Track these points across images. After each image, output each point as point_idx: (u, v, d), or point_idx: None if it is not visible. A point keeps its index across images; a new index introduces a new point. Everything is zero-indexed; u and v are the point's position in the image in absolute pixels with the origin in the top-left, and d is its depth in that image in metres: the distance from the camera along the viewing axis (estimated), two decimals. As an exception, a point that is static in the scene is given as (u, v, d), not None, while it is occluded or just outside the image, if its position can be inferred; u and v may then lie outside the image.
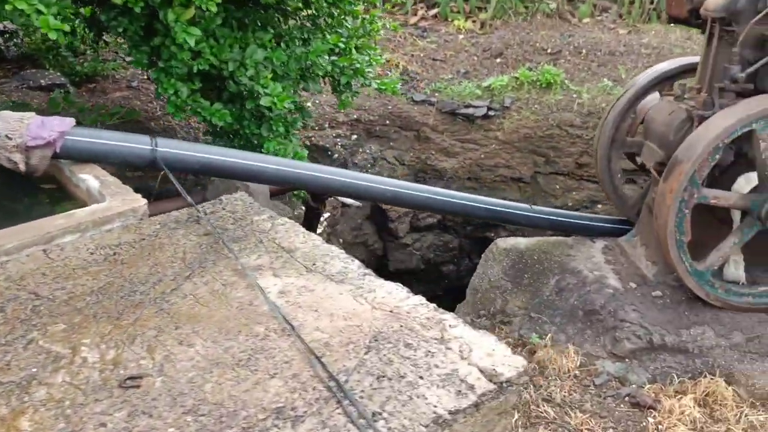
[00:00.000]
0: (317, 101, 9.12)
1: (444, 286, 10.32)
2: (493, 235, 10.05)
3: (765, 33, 3.88)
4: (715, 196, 3.97)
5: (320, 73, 4.90)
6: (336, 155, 8.53)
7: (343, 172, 4.64)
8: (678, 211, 3.87)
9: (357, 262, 3.30)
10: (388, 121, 9.44)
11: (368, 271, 3.21)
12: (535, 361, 4.36)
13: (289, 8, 4.96)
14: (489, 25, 11.71)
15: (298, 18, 5.30)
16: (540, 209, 5.54)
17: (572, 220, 5.41)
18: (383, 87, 5.17)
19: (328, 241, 8.70)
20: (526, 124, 9.85)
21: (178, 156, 3.83)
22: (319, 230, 8.21)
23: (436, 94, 9.92)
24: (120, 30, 4.05)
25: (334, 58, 5.19)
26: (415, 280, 10.04)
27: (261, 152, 4.65)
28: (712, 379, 4.10)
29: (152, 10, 3.89)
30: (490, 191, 9.84)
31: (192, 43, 3.72)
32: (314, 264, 3.12)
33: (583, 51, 10.74)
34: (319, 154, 8.44)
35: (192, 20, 4.04)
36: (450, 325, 2.71)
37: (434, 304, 2.88)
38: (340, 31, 5.36)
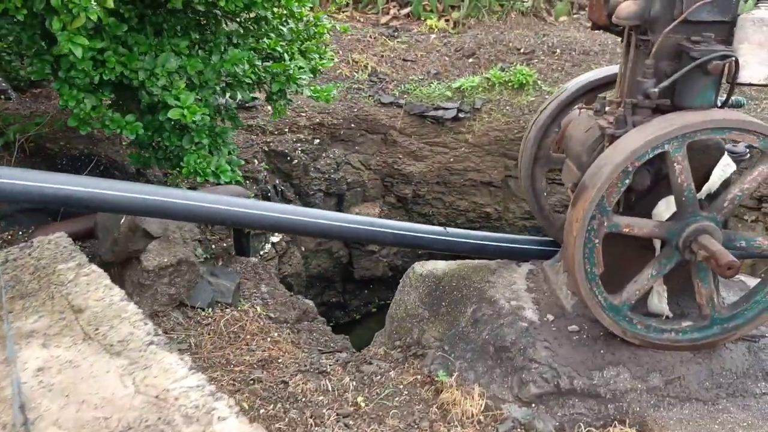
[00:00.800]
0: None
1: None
2: (463, 240, 9.79)
3: (682, 43, 3.45)
4: (628, 224, 3.48)
5: (248, 81, 4.63)
6: (296, 161, 8.25)
7: (217, 199, 3.83)
8: (586, 240, 3.43)
9: (148, 326, 2.82)
10: (353, 125, 9.16)
11: (156, 338, 2.73)
12: (438, 403, 3.97)
13: (219, 12, 4.68)
14: (462, 24, 11.42)
15: (238, 21, 5.02)
16: (457, 232, 4.83)
17: (494, 243, 4.77)
18: (316, 95, 4.88)
19: (285, 251, 8.48)
20: (497, 126, 9.57)
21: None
22: (277, 237, 7.94)
23: (405, 96, 9.64)
24: (11, 38, 3.77)
25: (268, 64, 4.92)
26: (383, 286, 9.78)
27: (181, 166, 4.37)
28: (622, 429, 3.73)
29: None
30: (460, 195, 9.57)
31: (79, 53, 3.43)
32: (97, 330, 2.72)
33: (558, 50, 10.46)
34: (278, 159, 8.17)
35: (95, 27, 3.77)
36: (219, 418, 2.30)
37: (212, 387, 2.46)
38: (282, 33, 5.08)
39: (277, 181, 8.17)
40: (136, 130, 4.11)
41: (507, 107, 9.59)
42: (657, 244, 3.71)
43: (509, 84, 9.76)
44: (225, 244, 5.55)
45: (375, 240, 4.47)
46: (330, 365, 4.57)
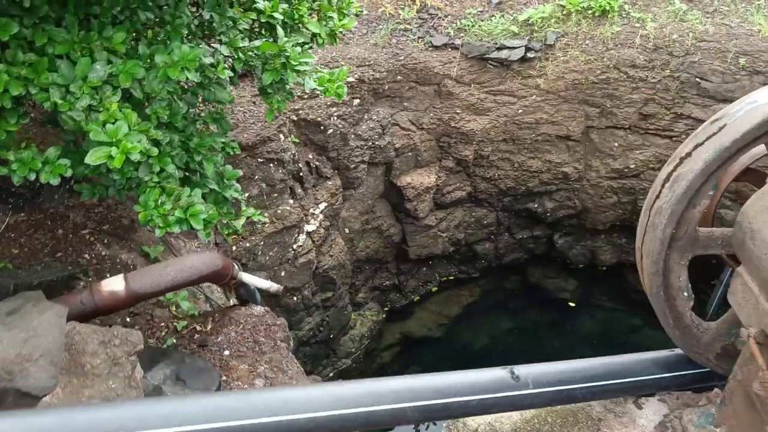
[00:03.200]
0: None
1: (480, 267, 8.73)
2: (536, 206, 8.32)
3: None
4: None
5: (229, 72, 3.26)
6: (331, 129, 6.87)
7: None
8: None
9: None
10: (399, 76, 7.65)
11: None
12: None
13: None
14: (529, -63, 9.46)
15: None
16: (532, 372, 2.37)
17: (603, 384, 2.46)
18: (323, 87, 3.46)
19: (325, 240, 7.22)
20: (574, 66, 7.86)
21: None
22: (314, 225, 6.72)
23: (461, 35, 8.00)
24: None
25: (258, 43, 3.52)
26: (444, 262, 8.50)
27: (137, 206, 3.11)
28: None
29: None
30: (531, 154, 8.02)
31: None
32: None
33: (649, -37, 8.45)
34: (309, 130, 6.81)
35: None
36: None
37: None
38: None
39: (311, 156, 6.85)
40: (61, 171, 2.85)
41: (587, 42, 7.83)
42: None
43: (589, 12, 7.95)
44: (210, 305, 4.33)
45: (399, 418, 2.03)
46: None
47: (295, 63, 3.44)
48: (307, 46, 3.63)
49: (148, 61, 2.82)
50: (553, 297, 8.80)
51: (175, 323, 3.94)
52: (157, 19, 3.24)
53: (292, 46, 3.44)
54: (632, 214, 8.19)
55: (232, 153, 4.04)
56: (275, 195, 6.30)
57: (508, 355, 8.21)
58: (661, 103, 7.65)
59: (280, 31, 3.51)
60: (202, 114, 3.75)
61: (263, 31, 3.72)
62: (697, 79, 7.40)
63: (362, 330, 7.73)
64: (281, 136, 6.45)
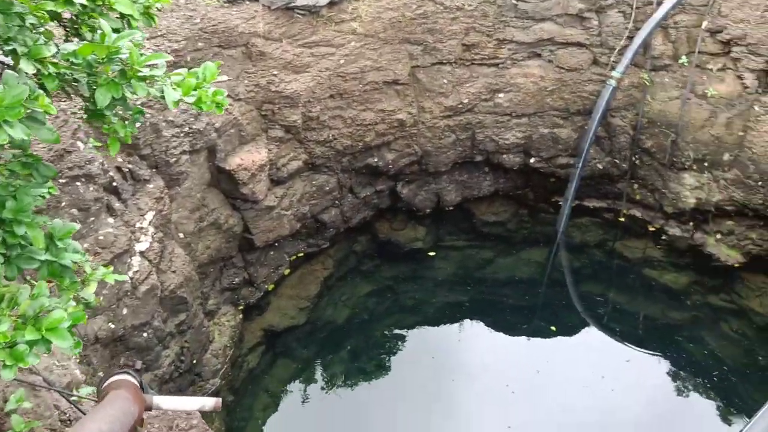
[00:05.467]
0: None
1: (329, 236, 8.04)
2: (377, 160, 7.74)
3: None
4: None
5: (47, 101, 2.14)
6: (138, 123, 5.59)
7: None
8: None
9: None
10: (200, 43, 6.48)
11: None
12: None
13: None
14: None
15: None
16: None
17: None
18: (195, 100, 2.44)
19: (161, 255, 6.03)
20: (388, 4, 7.23)
21: None
22: (146, 242, 5.51)
23: (258, -15, 6.97)
24: None
25: (72, 46, 2.39)
26: (289, 239, 7.68)
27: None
28: None
29: None
30: (362, 106, 7.35)
31: None
32: None
33: None
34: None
35: None
36: None
37: None
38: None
39: (120, 160, 5.56)
40: None
41: (395, -25, 7.22)
42: None
43: (390, -58, 7.31)
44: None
45: None
46: None
47: (139, 68, 2.39)
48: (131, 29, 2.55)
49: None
50: (406, 249, 8.44)
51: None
52: None
53: (131, 42, 2.38)
54: (472, 150, 7.96)
55: (49, 196, 2.88)
56: (91, 219, 5.01)
57: (373, 321, 7.77)
58: (482, 31, 7.34)
59: (104, 24, 2.41)
60: (10, 162, 2.55)
61: (81, 29, 2.57)
62: (514, 1, 7.17)
63: (223, 340, 6.75)
64: (79, 144, 5.11)
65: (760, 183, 7.14)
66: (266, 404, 6.89)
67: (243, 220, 6.95)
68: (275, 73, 6.92)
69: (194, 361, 6.16)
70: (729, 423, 6.53)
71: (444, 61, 7.45)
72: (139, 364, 2.48)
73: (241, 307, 7.26)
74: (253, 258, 7.27)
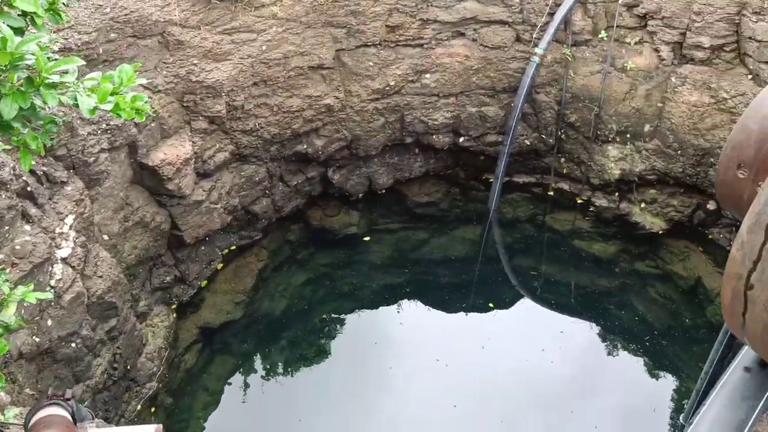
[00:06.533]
0: None
1: (261, 227, 7.87)
2: (306, 147, 7.59)
3: None
4: None
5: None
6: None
7: None
8: None
9: None
10: (113, 34, 6.15)
11: None
12: None
13: None
14: None
15: None
16: None
17: None
18: (113, 107, 2.27)
19: (85, 260, 5.74)
20: (308, -14, 7.05)
21: None
22: (67, 248, 5.24)
23: (170, -30, 6.65)
24: None
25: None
26: (220, 233, 7.47)
27: None
28: None
29: None
30: (288, 93, 7.17)
31: None
32: None
33: None
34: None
35: None
36: None
37: None
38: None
39: (33, 163, 5.24)
40: None
41: (314, -44, 7.03)
42: None
43: None
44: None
45: None
46: None
47: (47, 75, 2.20)
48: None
49: None
50: (340, 235, 8.36)
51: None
52: None
53: (37, 46, 2.19)
54: (401, 132, 7.91)
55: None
56: (6, 228, 4.71)
57: (311, 310, 7.69)
58: (406, 12, 7.27)
59: (3, 26, 2.20)
60: None
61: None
62: (436, -19, 7.13)
63: (157, 342, 6.53)
64: (-15, 148, 4.76)
65: (679, 152, 7.40)
66: (206, 402, 6.73)
67: (170, 216, 6.70)
68: (195, 62, 6.65)
69: (128, 367, 5.93)
70: (661, 383, 6.81)
71: (369, 44, 7.34)
72: (69, 393, 2.32)
73: (174, 306, 7.04)
74: (183, 255, 7.04)
